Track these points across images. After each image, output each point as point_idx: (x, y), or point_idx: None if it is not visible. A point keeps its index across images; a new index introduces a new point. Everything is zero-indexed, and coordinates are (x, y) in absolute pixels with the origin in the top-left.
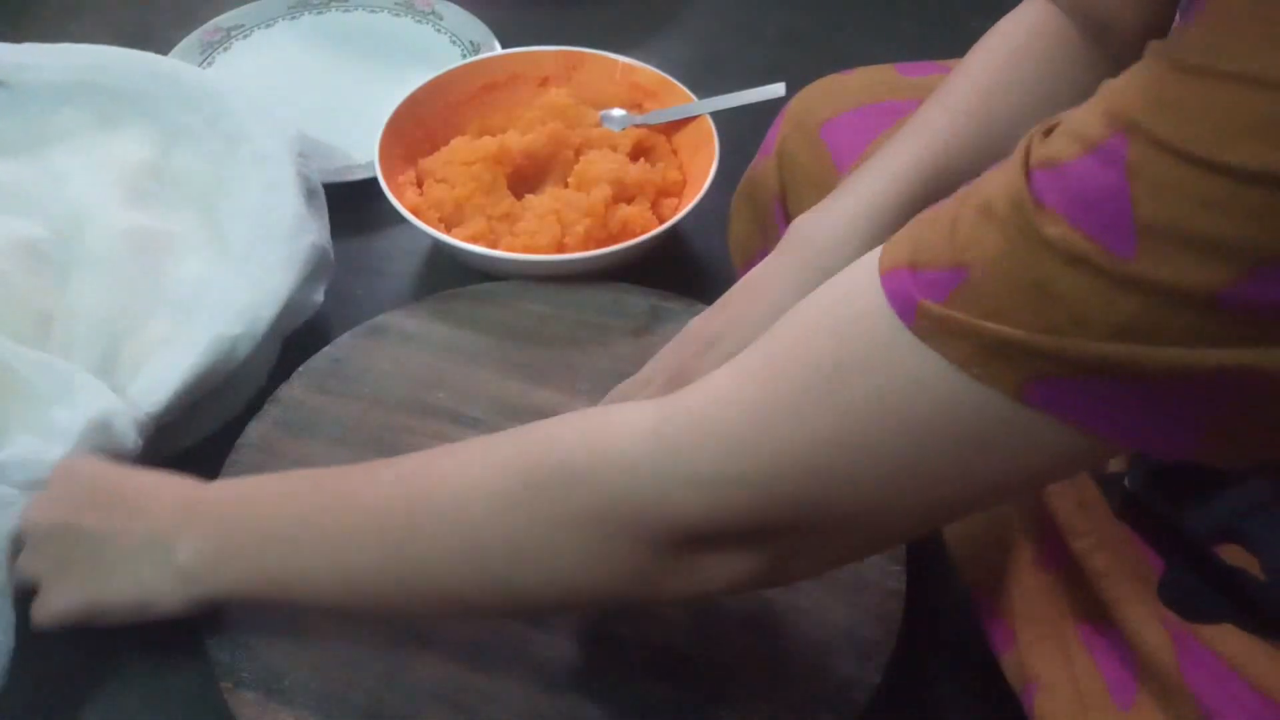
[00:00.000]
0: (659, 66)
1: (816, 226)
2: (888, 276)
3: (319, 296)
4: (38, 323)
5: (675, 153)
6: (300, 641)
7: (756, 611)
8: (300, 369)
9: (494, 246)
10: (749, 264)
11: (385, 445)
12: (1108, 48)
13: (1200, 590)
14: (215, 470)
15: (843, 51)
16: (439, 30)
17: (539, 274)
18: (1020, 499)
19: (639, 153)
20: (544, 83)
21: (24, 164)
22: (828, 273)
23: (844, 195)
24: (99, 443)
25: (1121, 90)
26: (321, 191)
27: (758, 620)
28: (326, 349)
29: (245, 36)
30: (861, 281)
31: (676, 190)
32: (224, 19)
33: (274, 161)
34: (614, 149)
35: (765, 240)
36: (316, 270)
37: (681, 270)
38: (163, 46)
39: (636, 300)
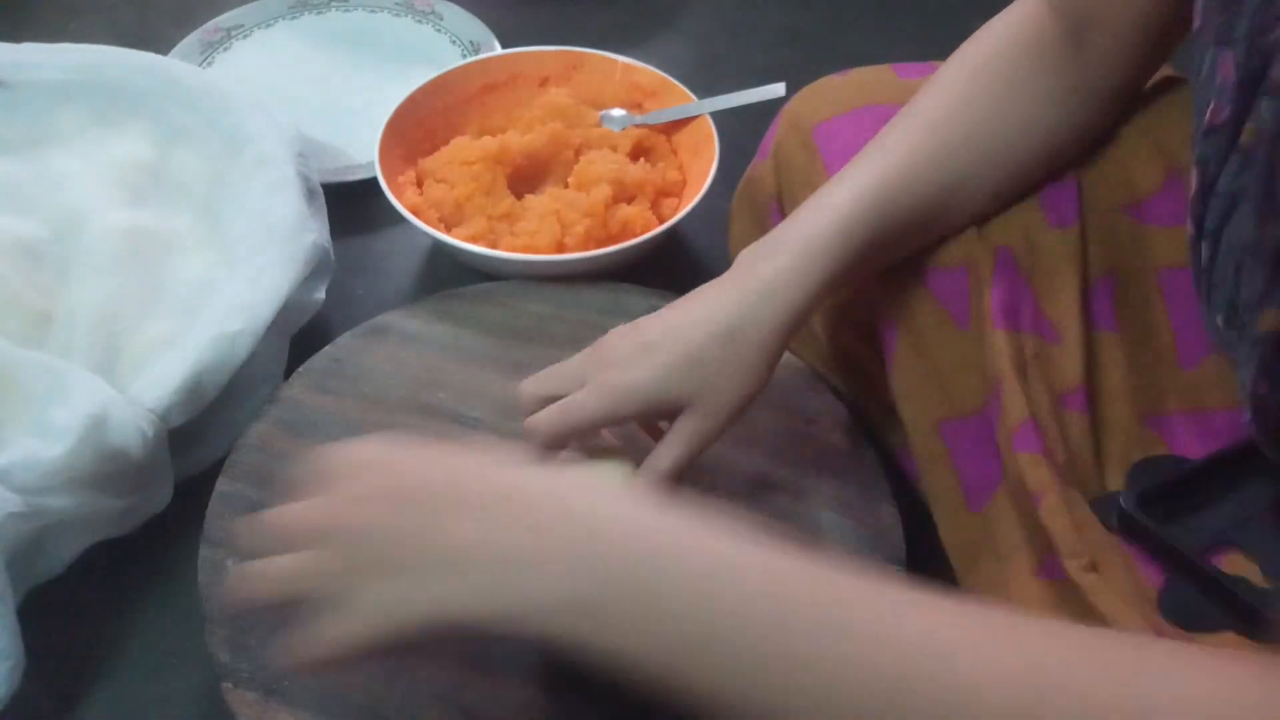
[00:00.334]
0: (659, 66)
1: (756, 257)
2: None
3: (320, 295)
4: (36, 323)
5: (675, 153)
6: None
7: None
8: (300, 369)
9: (494, 246)
10: None
11: None
12: (1088, 47)
13: (1199, 602)
14: (215, 470)
15: (842, 51)
16: (439, 30)
17: (539, 274)
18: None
19: (639, 153)
20: (544, 83)
21: (23, 164)
22: (763, 299)
23: (786, 228)
24: (100, 440)
25: None
26: (321, 191)
27: None
28: (326, 349)
29: (245, 36)
30: None
31: (676, 190)
32: (224, 19)
33: (274, 161)
34: (614, 149)
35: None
36: (317, 269)
37: (681, 270)
38: (163, 46)
39: (636, 300)
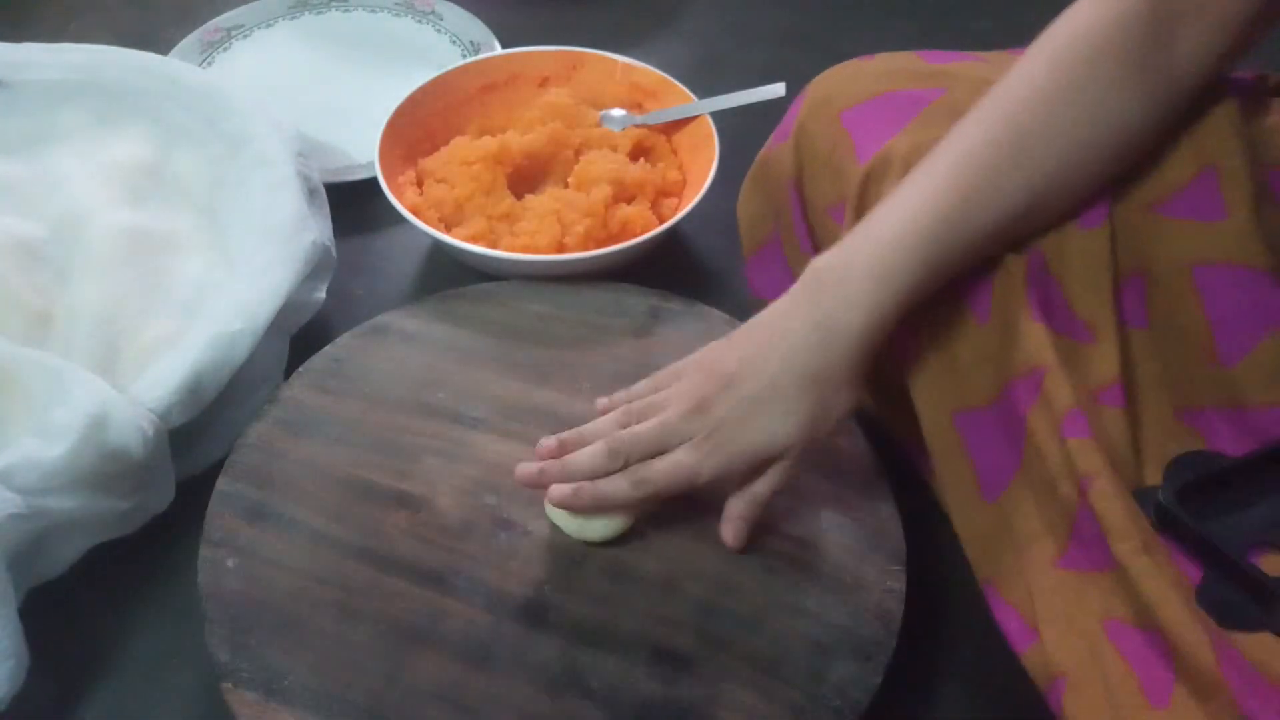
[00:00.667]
0: (659, 66)
1: (831, 269)
2: None
3: (321, 294)
4: (36, 323)
5: (675, 153)
6: (300, 641)
7: (757, 611)
8: (300, 369)
9: (494, 246)
10: (758, 247)
11: (385, 445)
12: (1179, 39)
13: (1236, 599)
14: (215, 470)
15: (843, 51)
16: (439, 30)
17: (539, 274)
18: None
19: (639, 153)
20: (544, 83)
21: (23, 164)
22: (840, 313)
23: (861, 236)
24: (100, 440)
25: None
26: (323, 190)
27: (758, 620)
28: (326, 349)
29: (245, 36)
30: None
31: (676, 190)
32: (224, 19)
33: (274, 161)
34: (614, 149)
35: (777, 224)
36: (319, 268)
37: (681, 270)
38: (163, 46)
39: (636, 300)
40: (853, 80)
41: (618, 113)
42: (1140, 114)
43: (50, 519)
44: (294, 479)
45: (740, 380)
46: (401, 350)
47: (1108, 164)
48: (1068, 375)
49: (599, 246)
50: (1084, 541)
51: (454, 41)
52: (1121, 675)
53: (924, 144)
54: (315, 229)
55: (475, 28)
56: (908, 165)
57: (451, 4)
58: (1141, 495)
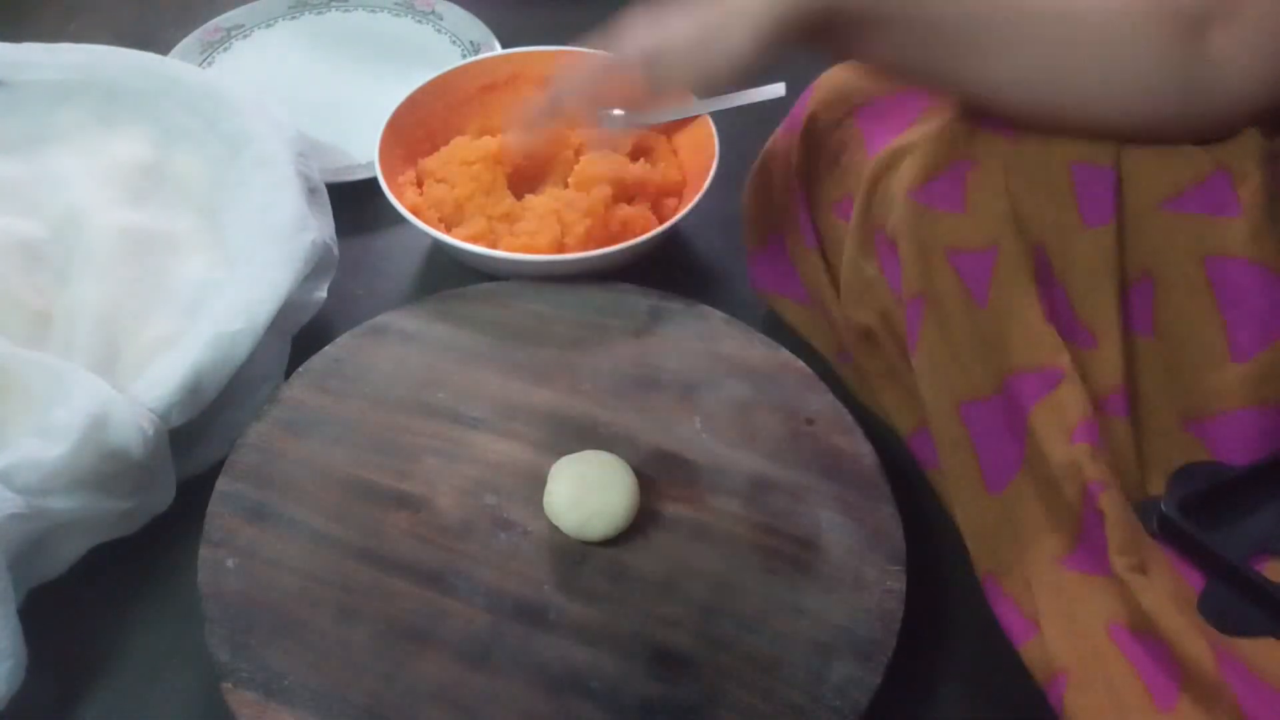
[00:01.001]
0: None
1: None
2: None
3: (322, 294)
4: (36, 323)
5: (675, 153)
6: (300, 641)
7: (757, 611)
8: (300, 369)
9: (494, 246)
10: (760, 241)
11: (385, 445)
12: (1208, 41)
13: (1239, 605)
14: (215, 470)
15: None
16: (439, 30)
17: (539, 274)
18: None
19: (639, 153)
20: (544, 83)
21: (22, 164)
22: None
23: None
24: (101, 440)
25: None
26: (323, 189)
27: (758, 620)
28: (326, 349)
29: (245, 36)
30: None
31: (676, 190)
32: (224, 19)
33: (274, 161)
34: (614, 149)
35: (781, 216)
36: (320, 267)
37: (681, 270)
38: (163, 46)
39: (636, 300)
40: (867, 77)
41: (618, 113)
42: (1149, 88)
43: (50, 519)
44: (294, 479)
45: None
46: (401, 350)
47: (1089, 104)
48: (1079, 382)
49: (599, 246)
50: (1090, 545)
51: (454, 41)
52: (1126, 677)
53: (929, 134)
54: (316, 229)
55: (475, 28)
56: (915, 159)
57: (451, 4)
58: (1144, 506)
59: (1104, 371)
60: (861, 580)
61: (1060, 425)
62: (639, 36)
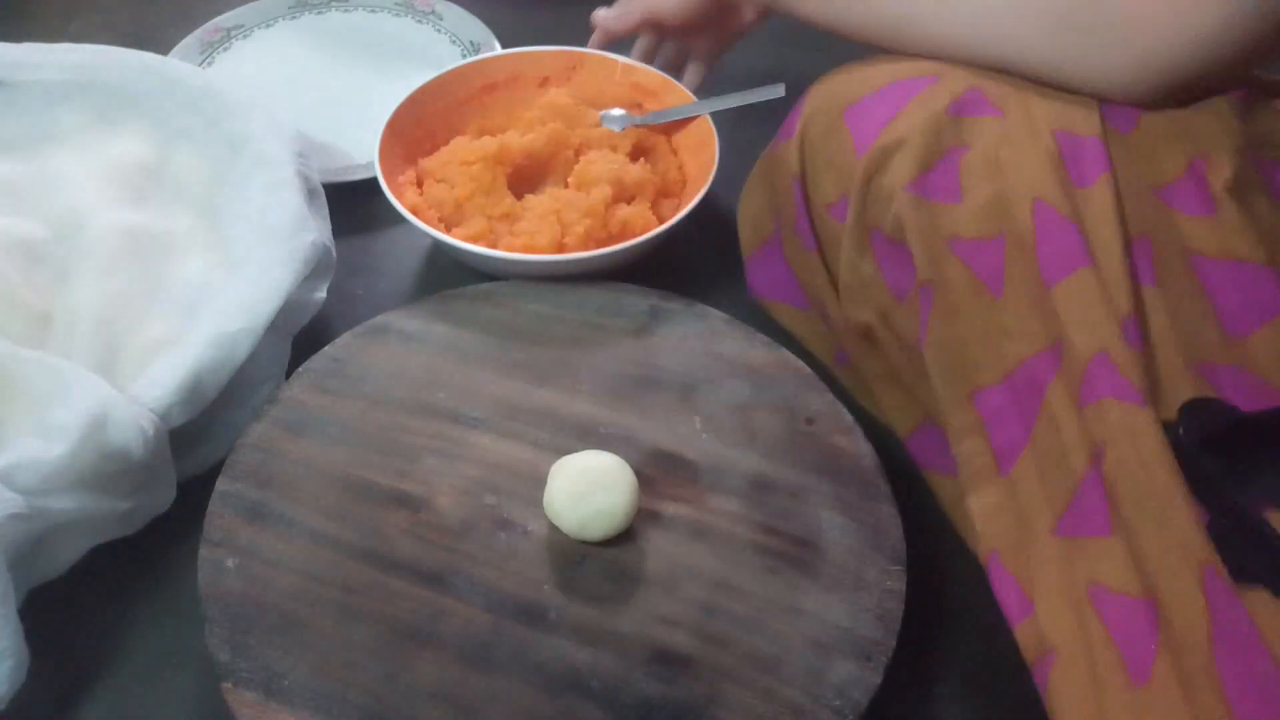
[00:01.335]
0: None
1: None
2: None
3: (321, 295)
4: (36, 323)
5: (675, 153)
6: (300, 641)
7: (757, 611)
8: (300, 369)
9: (494, 246)
10: (759, 245)
11: (385, 445)
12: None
13: (1245, 547)
14: (215, 470)
15: (843, 51)
16: (439, 30)
17: (539, 274)
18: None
19: (639, 153)
20: (544, 83)
21: (22, 163)
22: None
23: None
24: (101, 440)
25: None
26: (322, 190)
27: (758, 620)
28: (326, 349)
29: (245, 36)
30: None
31: (676, 190)
32: (224, 19)
33: (274, 161)
34: (614, 149)
35: (778, 221)
36: (319, 268)
37: (681, 270)
38: (163, 46)
39: (636, 300)
40: (855, 78)
41: (618, 113)
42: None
43: (51, 519)
44: (294, 479)
45: None
46: (401, 350)
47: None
48: (1089, 316)
49: (599, 246)
50: (1084, 507)
51: (454, 41)
52: (1103, 646)
53: (915, 128)
54: (315, 229)
55: (475, 28)
56: (907, 153)
57: (451, 4)
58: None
59: (1118, 293)
60: (861, 580)
61: (1070, 383)
62: None
